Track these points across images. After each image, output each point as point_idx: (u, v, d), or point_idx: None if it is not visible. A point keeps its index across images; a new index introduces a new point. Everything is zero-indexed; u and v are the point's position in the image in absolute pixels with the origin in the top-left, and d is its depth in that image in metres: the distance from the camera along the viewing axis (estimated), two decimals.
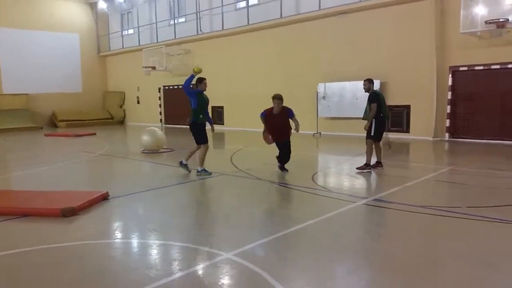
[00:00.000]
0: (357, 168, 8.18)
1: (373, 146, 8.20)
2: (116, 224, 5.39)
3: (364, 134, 8.34)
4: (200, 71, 7.92)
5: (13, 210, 5.61)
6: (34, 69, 23.64)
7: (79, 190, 6.83)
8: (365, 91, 8.28)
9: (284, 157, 8.21)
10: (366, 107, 8.24)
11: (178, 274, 3.64)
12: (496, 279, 3.53)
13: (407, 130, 13.99)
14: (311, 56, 16.08)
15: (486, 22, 11.44)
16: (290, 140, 8.21)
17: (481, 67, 12.32)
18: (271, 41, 17.44)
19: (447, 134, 13.07)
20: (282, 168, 8.23)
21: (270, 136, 8.16)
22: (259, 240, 4.41)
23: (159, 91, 23.41)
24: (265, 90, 17.30)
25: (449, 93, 12.92)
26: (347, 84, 14.93)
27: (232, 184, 7.69)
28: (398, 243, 4.38)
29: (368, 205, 5.82)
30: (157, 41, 22.75)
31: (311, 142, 13.62)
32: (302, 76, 16.11)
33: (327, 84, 15.46)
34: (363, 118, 8.34)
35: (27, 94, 23.48)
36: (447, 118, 13.01)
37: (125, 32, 25.87)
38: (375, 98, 8.02)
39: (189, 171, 8.31)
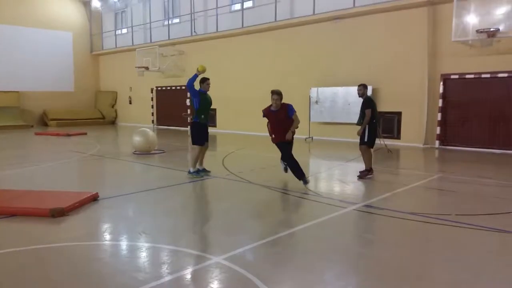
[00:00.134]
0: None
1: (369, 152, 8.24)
2: (105, 226, 5.36)
3: (356, 139, 8.37)
4: (204, 70, 7.88)
5: (1, 209, 5.53)
6: (25, 67, 23.41)
7: (68, 190, 6.77)
8: (359, 96, 8.31)
9: (284, 158, 7.63)
10: (360, 113, 8.21)
11: (167, 278, 3.63)
12: (482, 286, 3.57)
13: (398, 137, 14.09)
14: (304, 60, 16.14)
15: (477, 31, 11.60)
16: (292, 141, 7.58)
17: (472, 76, 12.46)
18: (265, 45, 17.49)
19: (437, 142, 13.18)
20: (302, 179, 7.38)
21: (273, 136, 7.58)
22: (249, 244, 4.41)
23: (152, 92, 23.32)
24: (258, 93, 17.41)
25: (440, 101, 13.04)
26: (340, 90, 15.00)
27: (223, 187, 7.68)
28: (387, 249, 4.41)
29: (358, 211, 5.85)
30: (151, 42, 22.68)
31: (303, 147, 13.66)
32: (295, 80, 16.16)
33: (320, 89, 15.53)
34: (357, 124, 8.33)
35: (17, 92, 23.23)
36: (437, 126, 13.13)
37: (118, 32, 25.75)
38: (370, 104, 8.07)
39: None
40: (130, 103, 25.16)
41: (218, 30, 19.15)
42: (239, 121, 18.24)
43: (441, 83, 13.03)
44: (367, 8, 14.17)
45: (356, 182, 7.87)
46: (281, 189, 7.19)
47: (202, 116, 8.07)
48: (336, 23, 15.16)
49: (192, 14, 20.33)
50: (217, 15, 19.18)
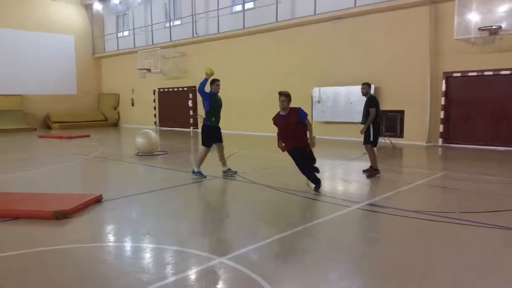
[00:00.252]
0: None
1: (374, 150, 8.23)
2: (109, 228, 5.36)
3: (358, 138, 8.35)
4: (212, 73, 7.92)
5: (5, 212, 5.55)
6: (28, 70, 23.50)
7: (72, 192, 6.79)
8: (363, 95, 8.31)
9: (303, 170, 6.91)
10: (364, 112, 8.18)
11: (171, 278, 3.63)
12: (487, 284, 3.56)
13: (401, 135, 14.06)
14: (306, 60, 16.13)
15: (479, 29, 11.56)
16: (308, 148, 6.89)
17: (474, 73, 12.43)
18: (266, 45, 17.49)
19: (440, 140, 13.14)
20: (317, 186, 6.88)
21: (283, 144, 6.95)
22: (253, 244, 4.41)
23: (154, 94, 23.36)
24: (260, 93, 17.45)
25: (443, 99, 13.01)
26: (342, 89, 14.99)
27: (227, 187, 7.68)
28: (391, 248, 4.40)
29: (362, 209, 5.84)
30: (153, 44, 22.71)
31: None
32: (296, 80, 16.15)
33: (322, 88, 15.52)
34: (362, 123, 8.28)
35: (21, 95, 23.32)
36: (440, 124, 13.09)
37: (120, 34, 25.81)
38: (374, 102, 8.06)
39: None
40: (133, 105, 25.21)
41: (220, 31, 19.16)
42: (241, 122, 18.23)
43: (444, 81, 13.00)
44: (368, 8, 14.15)
45: (360, 181, 7.85)
46: (284, 189, 7.18)
47: (213, 118, 8.07)
48: (337, 23, 15.14)
49: (194, 16, 20.36)
50: (218, 16, 19.20)
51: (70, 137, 17.11)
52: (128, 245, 4.61)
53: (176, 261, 4.10)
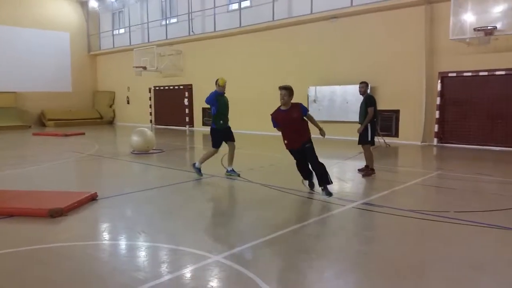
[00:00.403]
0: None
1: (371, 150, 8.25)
2: (104, 226, 5.35)
3: (354, 137, 8.36)
4: (224, 84, 7.88)
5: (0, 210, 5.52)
6: (22, 67, 23.36)
7: (67, 190, 6.76)
8: (361, 94, 8.32)
9: (302, 170, 6.76)
10: (361, 111, 8.18)
11: (166, 277, 3.62)
12: (481, 282, 3.58)
13: (396, 135, 14.11)
14: (302, 59, 16.14)
15: (474, 29, 11.61)
16: (310, 145, 6.62)
17: (470, 73, 12.49)
18: (262, 44, 17.48)
19: (435, 139, 13.20)
20: (325, 188, 6.41)
21: (285, 141, 6.65)
22: (248, 242, 4.41)
23: (150, 92, 23.29)
24: (256, 92, 17.45)
25: (438, 99, 13.07)
26: (338, 88, 15.02)
27: (223, 186, 7.68)
28: (386, 247, 4.41)
29: (358, 208, 5.85)
30: (149, 41, 22.65)
31: None
32: (293, 79, 16.05)
33: (318, 87, 15.53)
34: (359, 122, 8.28)
35: (15, 92, 23.18)
36: (435, 123, 13.15)
37: (116, 32, 25.70)
38: (372, 102, 8.06)
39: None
40: (128, 103, 25.13)
41: (216, 29, 19.14)
42: (236, 120, 18.09)
43: (439, 81, 13.05)
44: (365, 7, 14.18)
45: (355, 180, 7.88)
46: (280, 188, 7.19)
47: (221, 121, 8.02)
48: (333, 22, 15.16)
49: (190, 14, 20.31)
50: (214, 14, 19.17)
51: (66, 135, 17.03)
52: (123, 243, 4.60)
53: (171, 259, 4.09)
